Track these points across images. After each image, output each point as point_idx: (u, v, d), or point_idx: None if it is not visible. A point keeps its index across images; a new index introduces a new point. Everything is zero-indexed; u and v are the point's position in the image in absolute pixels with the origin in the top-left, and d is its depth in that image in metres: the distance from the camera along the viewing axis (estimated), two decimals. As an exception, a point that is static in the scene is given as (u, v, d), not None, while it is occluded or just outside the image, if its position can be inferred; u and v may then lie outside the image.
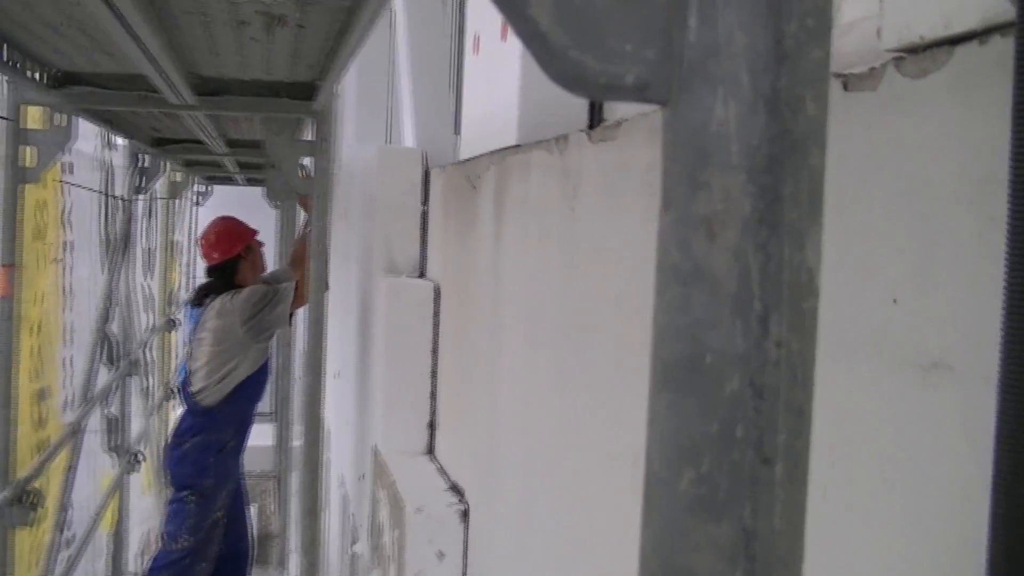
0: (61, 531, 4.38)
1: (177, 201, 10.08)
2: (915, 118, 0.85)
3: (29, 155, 3.05)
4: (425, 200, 3.36)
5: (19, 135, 3.00)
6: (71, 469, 4.51)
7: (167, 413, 11.16)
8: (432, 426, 3.06)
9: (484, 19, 2.68)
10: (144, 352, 6.76)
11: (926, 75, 0.84)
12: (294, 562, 6.07)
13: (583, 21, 0.45)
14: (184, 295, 12.52)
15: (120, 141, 5.50)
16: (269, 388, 5.20)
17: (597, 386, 1.59)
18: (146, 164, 5.89)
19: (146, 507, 7.41)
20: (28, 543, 3.88)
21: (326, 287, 3.23)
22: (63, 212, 4.64)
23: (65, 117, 3.17)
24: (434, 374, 3.06)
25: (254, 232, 4.83)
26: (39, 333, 4.18)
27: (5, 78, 3.03)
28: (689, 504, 0.45)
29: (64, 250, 4.69)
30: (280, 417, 7.26)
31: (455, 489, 2.66)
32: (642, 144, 1.45)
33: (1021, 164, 0.64)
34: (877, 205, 0.89)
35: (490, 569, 2.29)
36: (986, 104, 0.77)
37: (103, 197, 5.46)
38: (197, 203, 12.87)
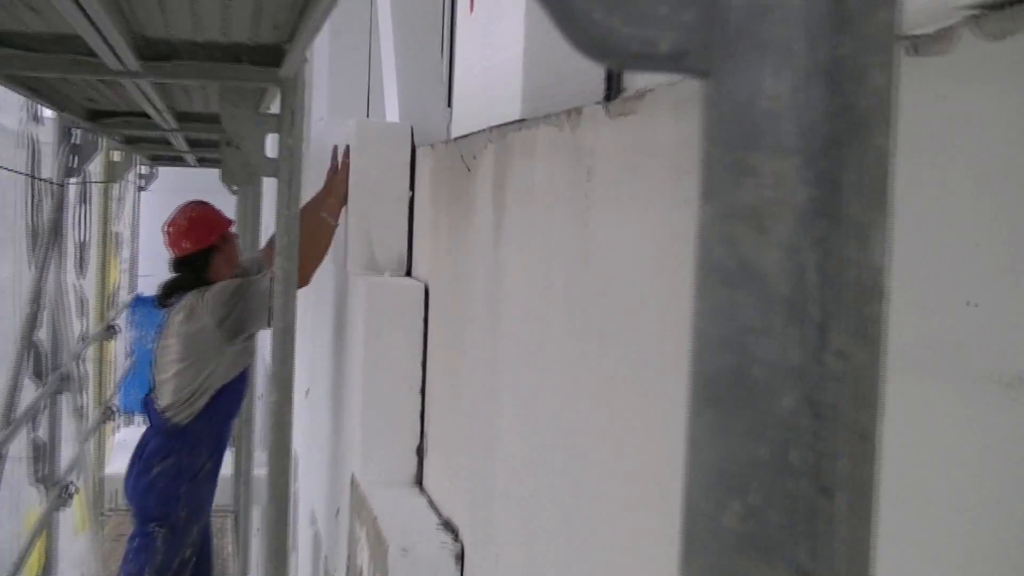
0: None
1: (116, 185, 10.09)
2: (996, 88, 0.86)
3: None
4: (412, 185, 3.37)
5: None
6: (-9, 503, 4.53)
7: (105, 437, 11.17)
8: (421, 452, 3.06)
9: (481, -30, 2.69)
10: (77, 365, 6.77)
11: (1009, 35, 0.85)
12: (255, 613, 6.09)
13: (610, -23, 0.46)
14: (125, 297, 12.52)
15: (48, 114, 5.52)
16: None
17: (617, 406, 1.59)
18: (79, 141, 5.91)
19: (79, 550, 7.42)
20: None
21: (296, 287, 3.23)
22: (-21, 199, 4.67)
23: (-17, 86, 3.18)
24: (423, 391, 3.06)
25: (230, 221, 4.84)
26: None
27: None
28: (735, 542, 0.46)
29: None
30: (239, 442, 7.26)
31: (448, 527, 2.66)
32: (669, 118, 1.46)
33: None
34: (952, 192, 0.90)
35: (489, 621, 2.30)
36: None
37: (28, 180, 5.48)
38: (140, 187, 12.91)
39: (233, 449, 7.92)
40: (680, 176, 1.41)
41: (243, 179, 6.47)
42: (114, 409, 11.44)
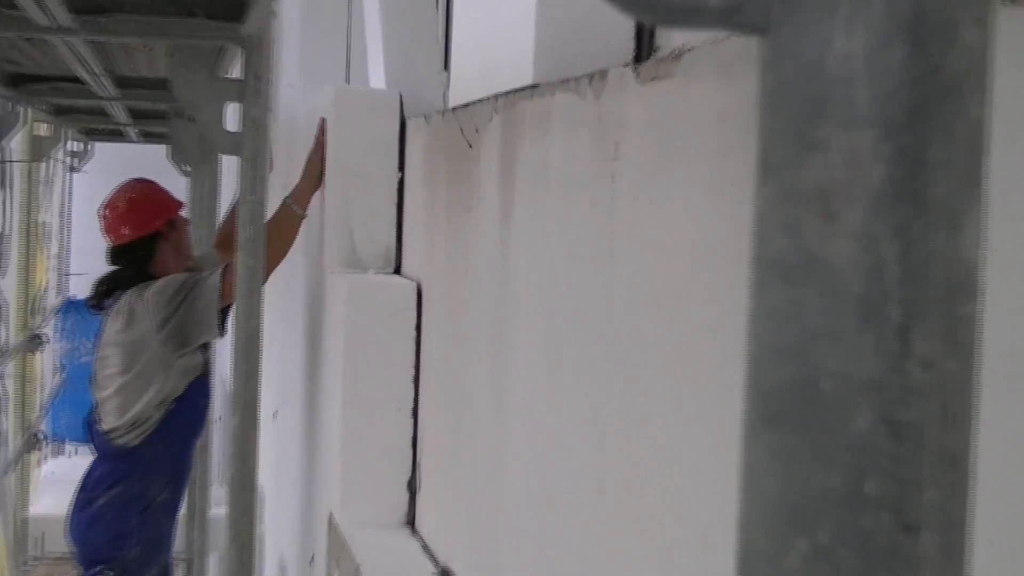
0: None
1: (42, 166, 10.11)
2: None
3: None
4: (401, 164, 3.37)
5: None
6: None
7: (29, 470, 11.20)
8: (413, 486, 3.07)
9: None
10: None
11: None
12: None
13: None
14: (53, 300, 12.55)
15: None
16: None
17: (651, 430, 1.60)
18: (-2, 113, 5.92)
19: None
20: None
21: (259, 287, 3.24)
22: None
23: None
24: (415, 413, 3.07)
25: (179, 204, 4.84)
26: None
27: None
28: (800, 589, 0.46)
29: None
30: (194, 474, 7.27)
31: (446, 575, 2.67)
32: (714, 82, 1.47)
33: None
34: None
35: None
36: None
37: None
38: (72, 168, 12.93)
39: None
40: (727, 153, 1.41)
41: (197, 157, 6.48)
42: (40, 436, 11.46)
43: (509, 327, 2.26)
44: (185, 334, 4.30)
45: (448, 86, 3.44)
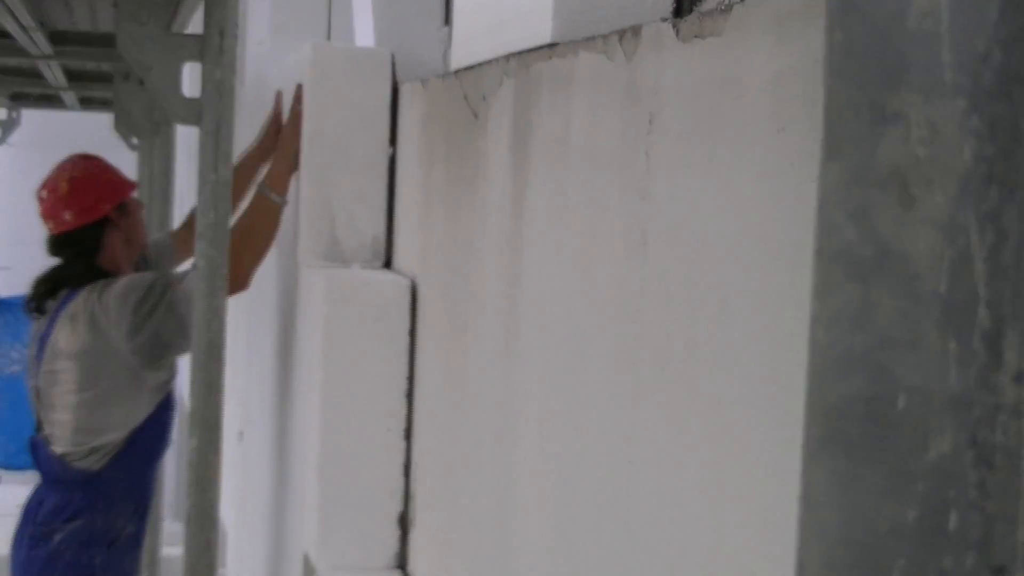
0: None
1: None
2: None
3: None
4: (393, 138, 3.38)
5: None
6: None
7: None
8: (405, 522, 3.08)
9: None
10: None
11: None
12: None
13: None
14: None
15: None
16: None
17: (689, 453, 1.60)
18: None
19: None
20: None
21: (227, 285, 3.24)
22: None
23: None
24: (408, 434, 3.07)
25: (131, 185, 4.83)
26: None
27: None
28: (870, 641, 0.46)
29: None
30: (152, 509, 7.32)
31: (443, 630, 2.68)
32: (768, 41, 1.47)
33: None
34: None
35: None
36: None
37: None
38: (-4, 140, 12.96)
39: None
40: (783, 125, 1.42)
41: (147, 128, 6.50)
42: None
43: (521, 332, 2.26)
44: (163, 345, 4.27)
45: (449, 44, 3.44)
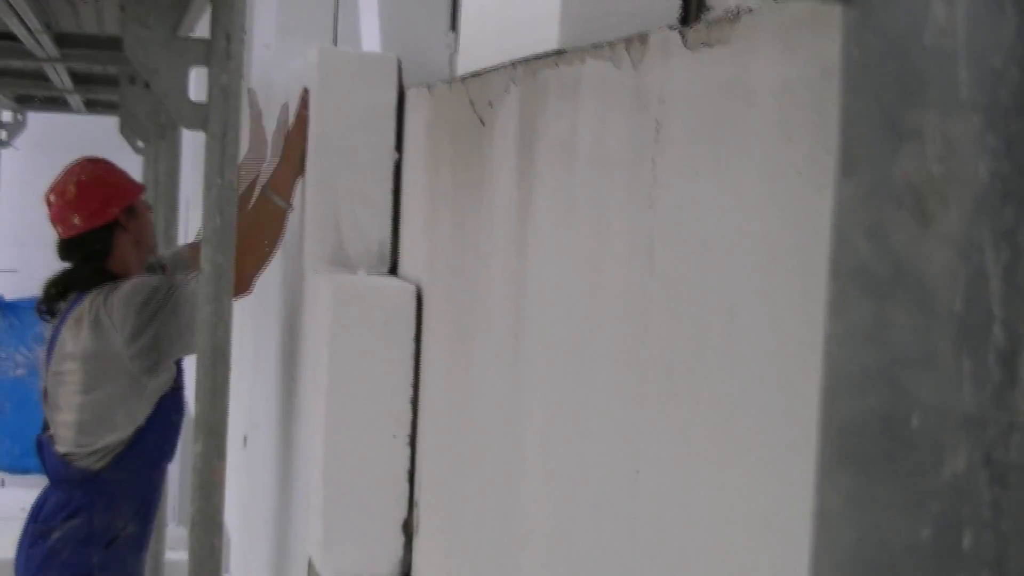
0: None
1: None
2: None
3: None
4: (399, 143, 3.38)
5: None
6: None
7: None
8: (409, 528, 3.07)
9: None
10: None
11: None
12: None
13: None
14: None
15: None
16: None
17: (698, 467, 1.60)
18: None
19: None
20: None
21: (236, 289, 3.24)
22: None
23: None
24: (413, 440, 3.07)
25: (139, 188, 4.84)
26: None
27: None
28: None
29: None
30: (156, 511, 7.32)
31: (447, 636, 2.68)
32: (776, 50, 1.47)
33: None
34: None
35: None
36: None
37: None
38: (1, 141, 12.98)
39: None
40: (791, 135, 1.41)
41: (153, 132, 6.50)
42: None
43: (526, 339, 2.26)
44: (161, 349, 4.28)
45: (456, 50, 3.44)
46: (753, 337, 1.48)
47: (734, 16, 1.58)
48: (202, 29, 4.08)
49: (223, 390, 3.26)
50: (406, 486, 3.08)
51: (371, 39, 3.81)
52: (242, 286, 3.79)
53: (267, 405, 4.64)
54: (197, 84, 5.01)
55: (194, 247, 5.20)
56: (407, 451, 3.07)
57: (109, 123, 8.79)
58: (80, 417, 4.44)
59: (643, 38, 1.81)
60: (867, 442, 0.48)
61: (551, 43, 2.27)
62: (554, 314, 2.14)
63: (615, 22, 2.17)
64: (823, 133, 1.33)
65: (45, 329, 4.72)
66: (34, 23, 4.58)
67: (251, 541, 5.13)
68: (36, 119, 12.50)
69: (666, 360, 1.70)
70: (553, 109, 2.17)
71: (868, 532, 0.48)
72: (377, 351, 3.07)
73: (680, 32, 1.70)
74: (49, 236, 4.65)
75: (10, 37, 5.15)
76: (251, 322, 5.07)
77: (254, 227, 3.79)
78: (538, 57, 2.28)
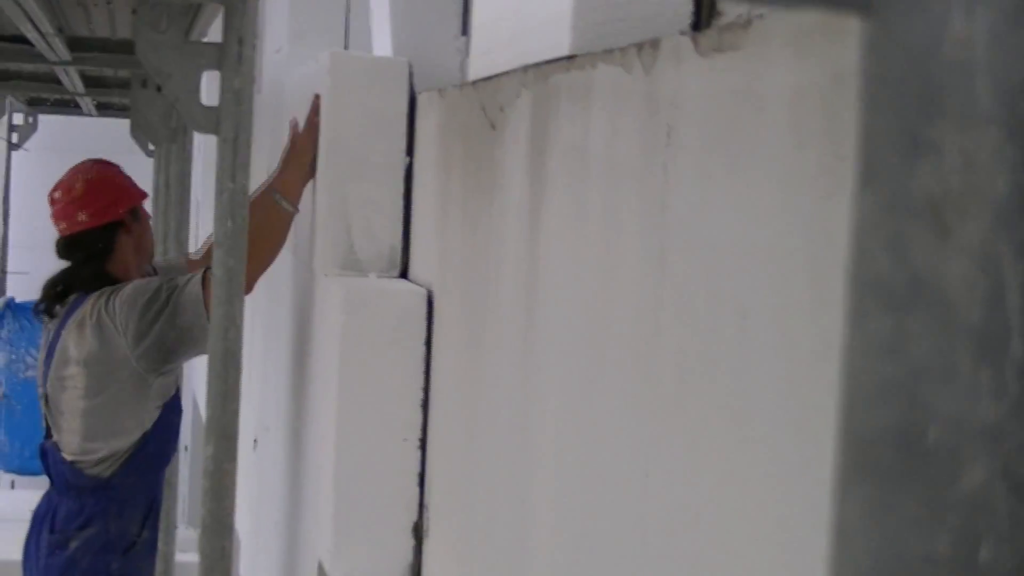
0: None
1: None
2: None
3: None
4: (410, 147, 3.38)
5: None
6: None
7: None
8: (419, 531, 3.08)
9: None
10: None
11: None
12: None
13: None
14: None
15: None
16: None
17: (711, 476, 1.60)
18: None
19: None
20: None
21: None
22: None
23: None
24: (423, 443, 3.07)
25: (143, 193, 4.85)
26: None
27: None
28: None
29: None
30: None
31: (457, 640, 2.68)
32: (788, 55, 1.47)
33: None
34: None
35: None
36: None
37: None
38: (13, 144, 13.00)
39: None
40: (802, 143, 1.41)
41: (164, 135, 6.51)
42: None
43: (538, 343, 2.26)
44: (167, 351, 4.26)
45: (467, 54, 3.45)
46: (765, 342, 1.48)
47: (746, 22, 1.58)
48: (214, 33, 4.08)
49: (234, 393, 3.27)
50: (416, 489, 3.08)
51: (382, 43, 3.81)
52: (244, 287, 3.79)
53: (277, 408, 4.65)
54: (209, 88, 5.03)
55: (189, 257, 5.21)
56: (418, 454, 3.08)
57: (120, 126, 8.81)
58: (85, 423, 4.43)
59: (655, 44, 1.82)
60: (885, 454, 0.48)
61: (562, 48, 2.27)
62: (565, 318, 2.14)
63: (626, 28, 2.17)
64: (835, 140, 1.33)
65: (43, 333, 4.72)
66: (46, 27, 4.59)
67: (261, 544, 5.14)
68: (47, 122, 12.52)
69: (678, 365, 1.70)
70: (564, 114, 2.17)
71: (885, 544, 0.48)
72: (388, 354, 3.07)
73: (692, 38, 1.70)
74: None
75: (23, 40, 5.16)
76: (262, 325, 5.07)
77: (259, 229, 3.79)
78: (549, 62, 2.29)
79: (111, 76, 7.31)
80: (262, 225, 3.81)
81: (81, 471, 4.50)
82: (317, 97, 3.61)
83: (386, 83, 3.39)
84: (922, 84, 0.45)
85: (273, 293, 4.71)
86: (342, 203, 3.40)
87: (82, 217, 4.58)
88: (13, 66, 6.75)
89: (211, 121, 3.32)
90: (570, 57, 2.21)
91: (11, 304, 14.18)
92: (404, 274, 3.39)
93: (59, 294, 4.57)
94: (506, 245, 2.46)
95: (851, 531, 0.49)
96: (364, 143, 3.39)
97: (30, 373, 12.20)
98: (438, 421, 3.01)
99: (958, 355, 0.46)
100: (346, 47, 5.08)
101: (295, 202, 3.84)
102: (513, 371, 2.39)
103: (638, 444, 1.81)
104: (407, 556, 3.08)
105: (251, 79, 3.24)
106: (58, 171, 4.83)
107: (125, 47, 5.25)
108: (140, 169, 6.79)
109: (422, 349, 3.08)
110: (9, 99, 9.52)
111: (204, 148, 8.85)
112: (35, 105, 10.96)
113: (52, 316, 4.59)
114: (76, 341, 4.40)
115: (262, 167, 4.73)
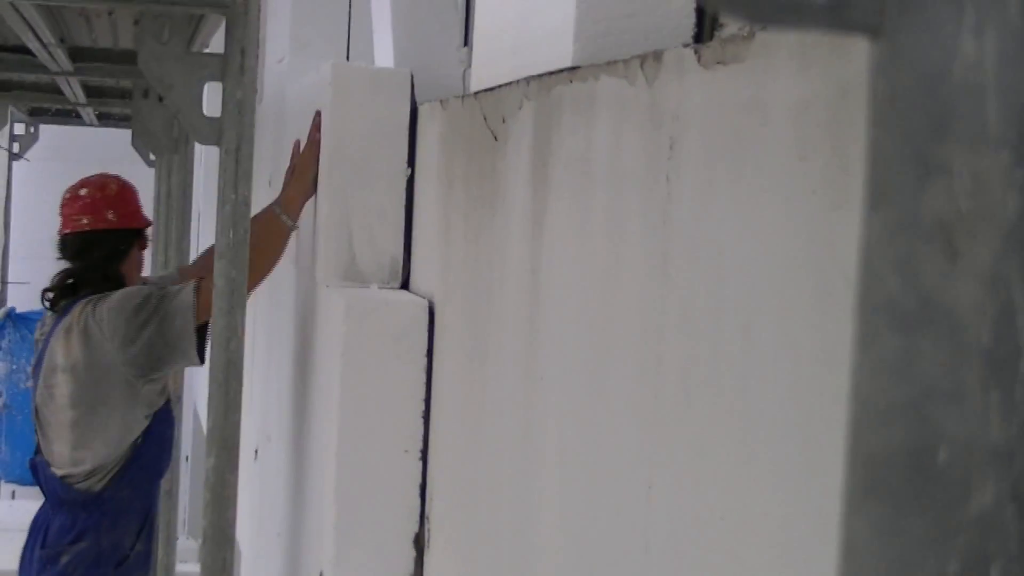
0: None
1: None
2: None
3: None
4: (411, 158, 3.38)
5: None
6: None
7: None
8: (421, 543, 3.07)
9: None
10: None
11: None
12: None
13: None
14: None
15: None
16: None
17: (715, 490, 1.59)
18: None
19: None
20: None
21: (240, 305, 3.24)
22: None
23: None
24: (424, 455, 3.07)
25: (149, 221, 4.90)
26: None
27: None
28: None
29: None
30: (159, 522, 7.32)
31: (460, 652, 2.67)
32: (791, 68, 1.47)
33: None
34: None
35: None
36: None
37: None
38: (13, 154, 13.00)
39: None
40: (806, 153, 1.41)
41: (166, 145, 6.51)
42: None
43: (540, 354, 2.26)
44: (155, 358, 4.25)
45: (469, 65, 3.45)
46: (769, 354, 1.47)
47: (749, 34, 1.58)
48: (216, 44, 4.09)
49: (236, 404, 3.27)
50: (417, 500, 3.08)
51: (384, 54, 3.82)
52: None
53: (279, 418, 4.64)
54: (211, 99, 5.03)
55: (185, 269, 5.22)
56: (419, 466, 3.07)
57: (122, 136, 8.80)
58: (72, 431, 4.42)
59: (657, 55, 1.82)
60: (894, 475, 0.48)
61: (565, 60, 2.27)
62: (568, 329, 2.14)
63: (629, 39, 2.17)
64: (839, 152, 1.33)
65: (35, 347, 4.73)
66: (48, 37, 4.59)
67: (262, 554, 5.13)
68: (48, 131, 12.52)
69: (681, 376, 1.70)
70: (567, 125, 2.17)
71: (894, 565, 0.48)
72: (389, 365, 3.07)
73: (695, 50, 1.70)
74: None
75: (24, 51, 5.16)
76: (264, 336, 5.07)
77: (258, 241, 3.79)
78: (552, 73, 2.29)
79: (113, 86, 7.31)
80: (261, 237, 3.82)
81: (71, 486, 4.48)
82: (318, 114, 3.61)
83: (388, 94, 3.39)
84: (932, 106, 0.45)
85: (275, 303, 4.71)
86: (344, 214, 3.40)
87: (111, 216, 4.58)
88: (15, 76, 6.75)
89: (213, 132, 3.32)
90: (573, 68, 2.21)
91: (12, 314, 14.18)
92: (405, 285, 3.39)
93: (68, 288, 4.56)
94: (508, 256, 2.46)
95: (860, 551, 0.48)
96: (366, 154, 3.39)
97: (31, 383, 12.22)
98: (439, 432, 3.01)
99: (967, 376, 0.46)
100: (348, 58, 5.09)
101: (295, 218, 3.84)
102: (515, 382, 2.39)
103: (641, 457, 1.81)
104: (408, 567, 3.08)
105: (253, 90, 3.24)
106: (59, 181, 4.83)
107: (127, 57, 5.25)
108: (141, 180, 6.79)
109: (423, 360, 3.07)
110: (10, 109, 9.52)
111: (205, 159, 8.86)
112: (36, 115, 10.96)
113: (54, 309, 4.58)
114: (63, 349, 4.39)
115: (263, 177, 4.73)
